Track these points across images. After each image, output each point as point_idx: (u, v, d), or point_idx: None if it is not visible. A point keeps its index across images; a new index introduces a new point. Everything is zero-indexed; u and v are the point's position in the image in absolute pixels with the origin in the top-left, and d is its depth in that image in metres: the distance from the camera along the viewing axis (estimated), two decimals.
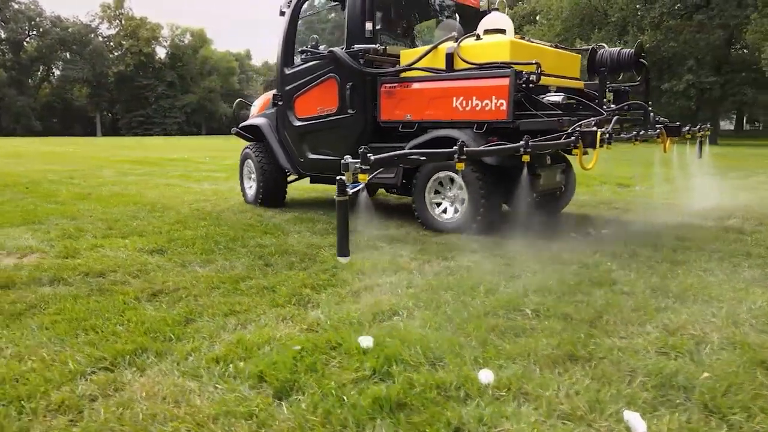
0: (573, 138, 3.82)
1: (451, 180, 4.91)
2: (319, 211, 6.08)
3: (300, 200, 7.28)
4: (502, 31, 4.93)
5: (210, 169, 13.04)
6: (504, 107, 4.40)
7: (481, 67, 4.62)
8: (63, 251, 4.05)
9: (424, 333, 2.47)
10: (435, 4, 6.38)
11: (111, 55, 67.99)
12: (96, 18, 67.51)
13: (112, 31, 68.46)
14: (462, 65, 4.76)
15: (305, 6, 6.08)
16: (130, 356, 2.30)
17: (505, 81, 4.39)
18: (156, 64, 69.55)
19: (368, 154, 2.78)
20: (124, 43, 66.74)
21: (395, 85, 5.18)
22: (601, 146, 3.78)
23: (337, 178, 2.67)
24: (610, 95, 5.34)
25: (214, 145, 29.39)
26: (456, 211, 4.92)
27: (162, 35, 71.53)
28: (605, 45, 5.16)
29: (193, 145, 30.26)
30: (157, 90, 68.61)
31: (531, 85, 4.35)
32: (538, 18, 38.45)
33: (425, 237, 4.72)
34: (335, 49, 5.35)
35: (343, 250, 2.71)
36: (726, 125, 49.75)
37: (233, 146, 29.60)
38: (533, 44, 4.98)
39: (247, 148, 6.77)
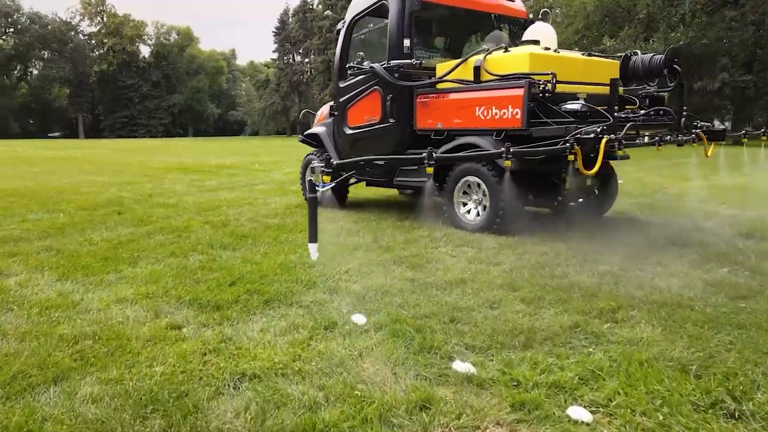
0: (568, 144, 3.90)
1: (477, 184, 5.18)
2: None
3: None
4: (536, 42, 5.17)
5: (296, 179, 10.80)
6: (519, 115, 4.67)
7: (503, 78, 4.84)
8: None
9: None
10: (480, 17, 6.50)
11: (93, 54, 64.39)
12: (77, 15, 63.79)
13: (94, 29, 64.84)
14: (487, 77, 5.01)
15: (357, 25, 6.51)
16: None
17: (520, 91, 4.64)
18: (140, 63, 66.16)
19: (330, 159, 3.52)
20: (106, 41, 63.14)
21: (429, 96, 5.57)
22: (612, 151, 4.07)
23: (307, 178, 3.75)
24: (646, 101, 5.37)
25: (227, 148, 26.81)
26: (479, 213, 5.23)
27: (146, 33, 68.18)
28: (639, 52, 5.13)
29: (203, 148, 27.58)
30: (141, 90, 65.29)
31: (547, 94, 4.54)
32: (555, 13, 36.64)
33: None
34: (375, 65, 5.79)
35: (313, 237, 3.38)
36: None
37: (249, 149, 27.15)
38: (559, 54, 5.08)
39: (310, 154, 7.16)
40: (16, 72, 61.44)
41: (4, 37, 58.78)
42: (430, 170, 3.84)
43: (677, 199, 7.39)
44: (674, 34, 29.53)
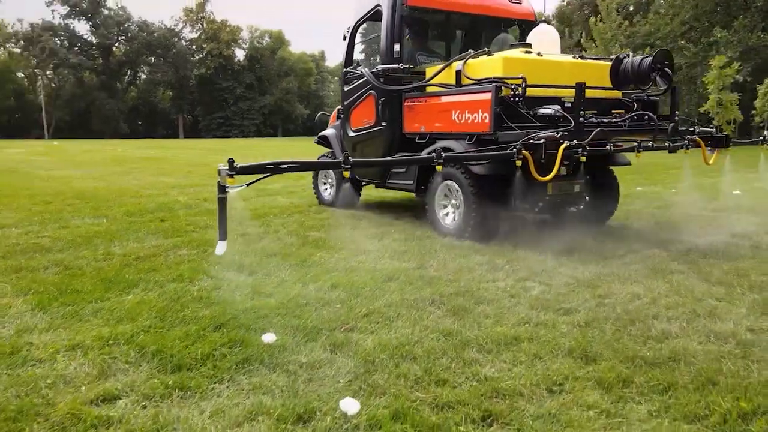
0: (515, 150, 4.02)
1: (457, 189, 5.11)
2: None
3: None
4: (528, 45, 5.19)
5: None
6: (487, 120, 4.64)
7: (479, 82, 4.82)
8: None
9: None
10: (482, 21, 6.50)
11: (193, 58, 68.15)
12: (179, 22, 67.83)
13: (195, 35, 68.58)
14: (466, 81, 5.01)
15: (360, 32, 6.64)
16: None
17: (488, 95, 4.60)
18: (235, 66, 69.15)
19: (234, 162, 3.24)
20: (205, 46, 66.57)
21: (415, 100, 5.64)
22: (572, 156, 4.03)
23: (217, 181, 3.26)
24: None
25: (311, 148, 26.83)
26: (455, 217, 5.15)
27: (241, 37, 71.15)
28: (631, 54, 4.80)
29: (288, 148, 27.87)
30: (236, 92, 68.22)
31: (518, 98, 4.48)
32: (659, 4, 33.25)
33: None
34: (364, 69, 6.09)
35: (223, 235, 3.32)
36: None
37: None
38: (541, 58, 4.93)
39: (323, 155, 7.23)
40: (126, 77, 66.41)
41: (116, 45, 63.73)
42: (347, 174, 3.78)
43: None
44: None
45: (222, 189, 3.21)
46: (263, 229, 5.61)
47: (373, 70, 5.86)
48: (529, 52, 4.99)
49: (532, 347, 2.49)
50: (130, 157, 19.54)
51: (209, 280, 3.63)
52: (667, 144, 4.70)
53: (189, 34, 68.89)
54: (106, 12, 62.02)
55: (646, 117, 4.91)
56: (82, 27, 63.33)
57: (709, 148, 4.94)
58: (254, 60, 70.43)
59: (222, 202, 3.24)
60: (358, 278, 3.62)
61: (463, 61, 5.09)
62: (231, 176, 3.20)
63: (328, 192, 7.28)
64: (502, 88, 4.54)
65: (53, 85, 61.72)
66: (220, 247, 3.27)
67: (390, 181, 6.08)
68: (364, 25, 6.64)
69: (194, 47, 68.26)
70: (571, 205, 5.51)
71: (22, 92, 59.82)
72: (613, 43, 28.61)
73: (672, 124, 4.80)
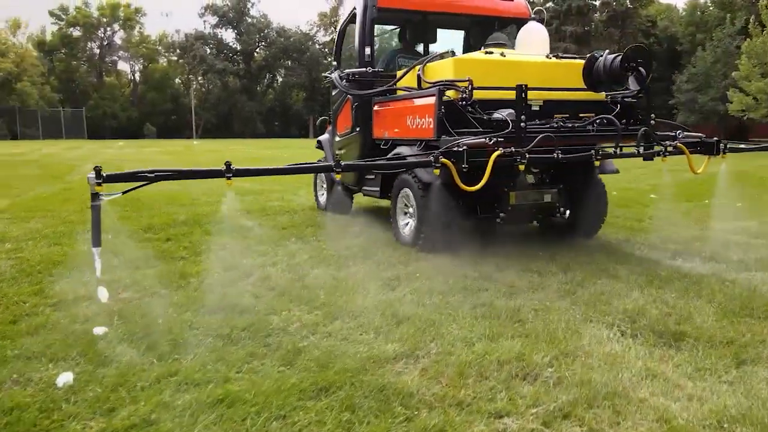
0: (432, 158, 3.84)
1: (411, 197, 5.02)
2: None
3: None
4: (504, 46, 5.05)
5: None
6: (432, 125, 4.45)
7: (434, 85, 4.60)
8: None
9: None
10: (471, 20, 6.40)
11: (324, 61, 70.59)
12: (314, 27, 70.66)
13: (327, 38, 70.96)
14: (426, 86, 4.84)
15: (347, 34, 6.54)
16: None
17: (432, 99, 4.44)
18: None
19: (101, 171, 3.16)
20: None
21: (381, 105, 5.50)
22: (515, 166, 3.84)
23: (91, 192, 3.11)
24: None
25: None
26: (411, 226, 4.99)
27: None
28: (608, 51, 4.44)
29: None
30: None
31: (465, 102, 4.31)
32: None
33: None
34: (333, 74, 6.09)
35: (96, 242, 3.18)
36: None
37: None
38: (502, 59, 4.64)
39: (319, 160, 7.09)
40: (265, 80, 70.74)
41: (257, 50, 68.09)
42: (229, 182, 3.47)
43: None
44: None
45: (94, 197, 3.16)
46: (266, 259, 4.47)
47: (341, 74, 5.82)
48: (490, 53, 4.72)
49: None
50: (241, 158, 19.80)
51: (68, 362, 2.50)
52: (636, 151, 4.31)
53: (322, 38, 71.54)
54: (249, 20, 66.46)
55: (608, 121, 4.47)
56: (228, 35, 68.38)
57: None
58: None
59: (95, 210, 3.21)
60: (273, 386, 2.23)
61: (422, 64, 4.93)
62: (99, 184, 3.09)
63: (324, 197, 7.28)
64: (448, 91, 4.28)
65: (203, 89, 67.64)
66: (95, 254, 3.20)
67: (364, 187, 6.00)
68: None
69: (326, 50, 70.74)
70: (541, 217, 5.28)
71: (178, 96, 66.27)
72: None
73: (644, 129, 4.38)
